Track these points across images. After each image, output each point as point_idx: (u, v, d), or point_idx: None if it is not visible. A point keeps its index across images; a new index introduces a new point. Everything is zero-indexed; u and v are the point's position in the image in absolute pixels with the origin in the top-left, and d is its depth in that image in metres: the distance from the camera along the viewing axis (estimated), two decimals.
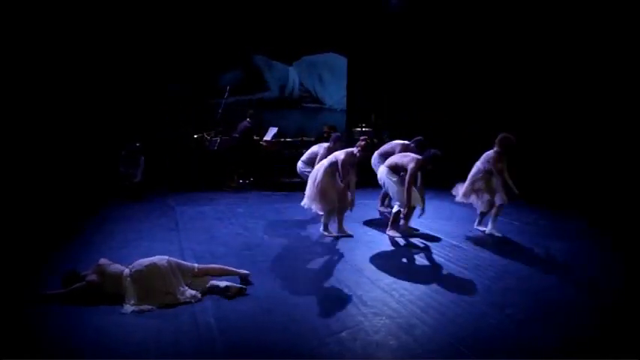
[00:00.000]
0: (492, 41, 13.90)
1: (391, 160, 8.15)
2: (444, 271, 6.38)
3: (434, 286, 5.83)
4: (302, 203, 7.88)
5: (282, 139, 13.35)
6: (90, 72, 12.57)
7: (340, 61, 15.76)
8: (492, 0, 13.58)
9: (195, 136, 12.64)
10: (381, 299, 5.34)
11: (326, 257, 6.84)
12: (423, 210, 7.91)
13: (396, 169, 7.95)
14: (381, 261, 6.73)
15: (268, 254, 6.88)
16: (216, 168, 12.40)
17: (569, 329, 4.82)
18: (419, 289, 5.72)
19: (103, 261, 5.32)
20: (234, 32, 14.03)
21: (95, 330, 4.50)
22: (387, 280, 5.94)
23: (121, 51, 12.92)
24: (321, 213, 7.94)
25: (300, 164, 9.68)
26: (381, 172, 8.15)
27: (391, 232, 7.94)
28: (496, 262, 6.76)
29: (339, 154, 7.70)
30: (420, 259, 6.83)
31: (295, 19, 14.24)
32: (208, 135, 12.60)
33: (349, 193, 7.78)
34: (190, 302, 5.09)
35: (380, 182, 8.31)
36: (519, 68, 13.51)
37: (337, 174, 7.67)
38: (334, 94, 15.94)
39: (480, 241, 7.80)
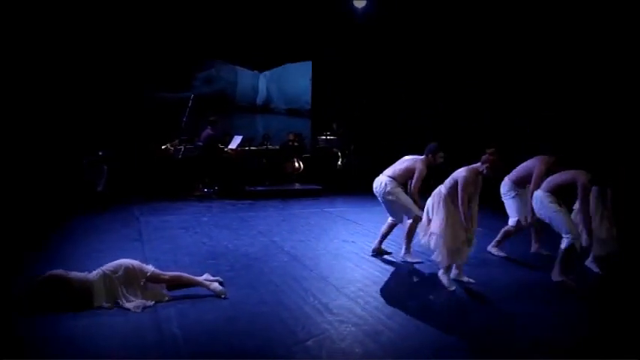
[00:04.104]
0: (456, 50, 14.08)
1: (552, 181, 6.41)
2: (410, 278, 6.44)
3: (399, 293, 5.89)
4: (422, 241, 6.31)
5: (248, 147, 13.34)
6: (52, 80, 12.39)
7: (305, 67, 15.94)
8: (457, 11, 13.73)
9: (162, 147, 12.55)
10: (347, 307, 5.35)
11: (291, 266, 6.82)
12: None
13: (559, 192, 6.30)
14: (346, 269, 6.75)
15: (233, 263, 6.85)
16: (181, 177, 12.33)
17: (535, 333, 4.87)
18: (384, 296, 5.75)
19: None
20: (200, 40, 14.03)
21: (56, 340, 4.43)
22: (352, 287, 5.96)
23: (83, 58, 12.78)
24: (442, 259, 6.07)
25: (385, 180, 7.19)
26: (539, 199, 6.39)
27: (566, 280, 6.18)
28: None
29: (460, 173, 6.00)
30: (385, 267, 6.86)
31: (260, 30, 14.33)
32: (172, 144, 12.52)
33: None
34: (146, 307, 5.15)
35: (539, 214, 6.53)
36: (486, 75, 13.61)
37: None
38: (300, 96, 16.12)
39: None
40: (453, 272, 6.22)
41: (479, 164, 6.00)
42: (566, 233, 6.12)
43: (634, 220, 7.12)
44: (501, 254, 7.39)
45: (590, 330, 5.07)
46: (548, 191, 6.34)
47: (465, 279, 6.22)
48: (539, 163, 7.00)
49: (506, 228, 7.39)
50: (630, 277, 6.63)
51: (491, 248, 7.49)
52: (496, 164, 5.93)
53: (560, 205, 6.23)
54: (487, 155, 5.96)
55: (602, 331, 5.04)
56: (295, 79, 16.03)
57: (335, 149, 14.43)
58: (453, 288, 6.00)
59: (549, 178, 6.54)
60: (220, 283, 5.78)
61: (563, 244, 6.15)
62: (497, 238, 7.47)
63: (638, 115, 10.16)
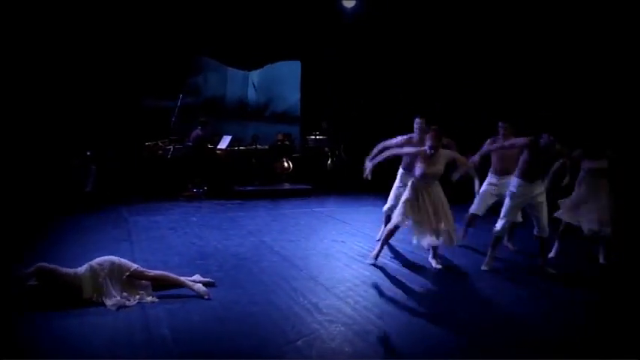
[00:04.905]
0: (453, 50, 14.05)
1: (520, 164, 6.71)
2: (398, 278, 6.43)
3: (388, 292, 5.88)
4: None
5: (237, 147, 13.31)
6: (39, 81, 12.29)
7: (294, 68, 15.86)
8: (453, 10, 13.71)
9: (148, 144, 12.49)
10: (336, 306, 5.36)
11: (281, 266, 6.82)
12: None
13: (528, 170, 6.55)
14: (335, 269, 6.76)
15: (222, 263, 6.84)
16: (170, 177, 12.28)
17: (521, 333, 4.91)
18: (373, 295, 5.77)
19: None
20: (189, 38, 13.93)
21: (47, 340, 4.42)
22: (341, 287, 5.97)
23: (71, 58, 12.69)
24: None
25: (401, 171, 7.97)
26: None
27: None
28: (449, 268, 6.85)
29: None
30: (374, 267, 6.85)
31: (249, 28, 14.28)
32: (162, 143, 12.48)
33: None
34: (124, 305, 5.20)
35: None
36: (483, 75, 13.57)
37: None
38: (288, 99, 16.02)
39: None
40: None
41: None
42: (501, 219, 6.66)
43: (633, 219, 7.24)
44: (515, 247, 7.74)
45: (587, 328, 5.10)
46: (519, 177, 6.58)
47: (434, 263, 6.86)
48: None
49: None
50: (629, 275, 6.70)
51: (507, 243, 7.74)
52: (436, 138, 6.55)
53: (512, 190, 6.56)
54: (431, 131, 6.65)
55: (599, 330, 5.06)
56: (285, 87, 15.95)
57: (325, 149, 14.43)
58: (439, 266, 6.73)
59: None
60: (212, 284, 5.79)
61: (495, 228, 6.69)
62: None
63: (637, 114, 10.23)
